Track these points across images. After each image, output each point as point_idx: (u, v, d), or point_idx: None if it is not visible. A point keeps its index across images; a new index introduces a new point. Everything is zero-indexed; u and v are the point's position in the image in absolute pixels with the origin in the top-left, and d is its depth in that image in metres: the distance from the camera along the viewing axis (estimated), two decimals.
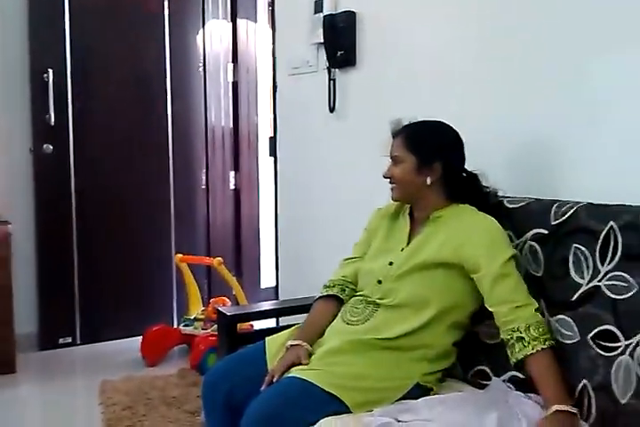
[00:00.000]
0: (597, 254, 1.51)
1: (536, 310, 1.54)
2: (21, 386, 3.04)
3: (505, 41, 1.99)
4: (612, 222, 1.49)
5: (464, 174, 1.79)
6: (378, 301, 1.71)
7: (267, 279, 4.10)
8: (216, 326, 2.74)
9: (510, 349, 1.53)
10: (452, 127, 1.77)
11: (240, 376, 1.71)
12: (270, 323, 2.73)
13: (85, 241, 3.61)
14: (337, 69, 2.68)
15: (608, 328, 1.45)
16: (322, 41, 2.68)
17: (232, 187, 4.14)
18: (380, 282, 1.73)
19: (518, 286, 1.58)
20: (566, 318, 1.54)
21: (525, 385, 1.56)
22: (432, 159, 1.72)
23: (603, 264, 1.49)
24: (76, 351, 3.54)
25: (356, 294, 1.80)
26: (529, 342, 1.49)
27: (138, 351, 3.31)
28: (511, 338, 1.53)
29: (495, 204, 1.78)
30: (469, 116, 2.02)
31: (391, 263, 1.73)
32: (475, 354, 1.74)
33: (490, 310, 1.60)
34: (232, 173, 4.14)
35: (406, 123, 1.80)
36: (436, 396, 1.61)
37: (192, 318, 3.39)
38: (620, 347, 1.41)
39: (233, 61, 4.08)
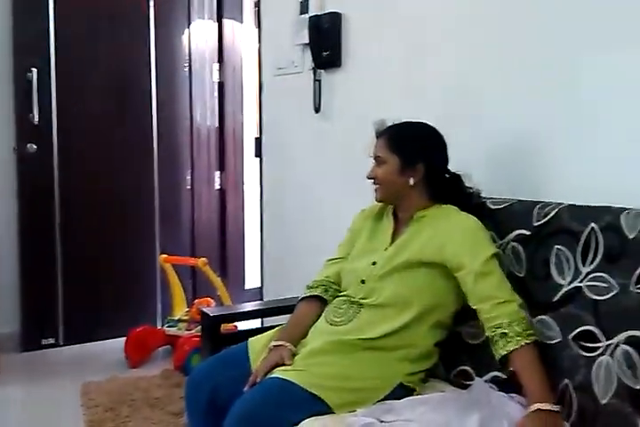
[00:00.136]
0: (579, 255, 1.52)
1: (519, 306, 1.55)
2: (3, 388, 3.01)
3: (488, 41, 2.00)
4: (593, 224, 1.50)
5: (447, 175, 1.80)
6: (361, 300, 1.71)
7: (251, 280, 4.09)
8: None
9: (494, 345, 1.54)
10: (434, 128, 1.78)
11: (223, 377, 1.71)
12: (255, 324, 2.72)
13: (69, 241, 3.58)
14: (322, 70, 2.69)
15: (589, 329, 1.46)
16: (307, 42, 2.69)
17: (217, 187, 4.13)
18: (363, 282, 1.73)
19: (501, 283, 1.59)
20: (548, 318, 1.55)
21: (508, 385, 1.56)
22: (415, 160, 1.73)
23: (584, 265, 1.50)
24: (59, 352, 3.52)
25: (340, 295, 1.80)
26: (512, 338, 1.50)
27: (121, 352, 3.29)
28: (495, 335, 1.53)
29: (478, 204, 1.79)
30: (452, 117, 2.03)
31: (374, 263, 1.73)
32: (457, 354, 1.75)
33: (473, 307, 1.60)
34: (217, 173, 4.13)
35: (390, 124, 1.81)
36: (418, 396, 1.61)
37: (176, 318, 3.38)
38: (600, 347, 1.42)
39: (219, 61, 4.07)
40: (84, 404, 2.76)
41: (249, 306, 2.50)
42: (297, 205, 2.95)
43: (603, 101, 1.69)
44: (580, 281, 1.50)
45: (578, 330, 1.48)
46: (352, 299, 1.73)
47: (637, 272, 1.39)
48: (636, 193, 1.54)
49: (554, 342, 1.52)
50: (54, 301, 3.56)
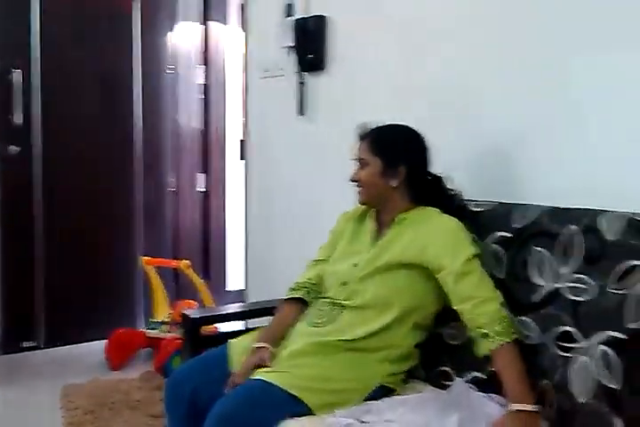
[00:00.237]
0: (559, 257, 1.53)
1: (501, 304, 1.55)
2: None
3: (473, 45, 2.00)
4: (572, 226, 1.52)
5: (429, 177, 1.81)
6: (343, 302, 1.71)
7: (234, 282, 4.08)
8: None
9: (476, 345, 1.55)
10: (416, 131, 1.79)
11: (203, 379, 1.70)
12: (236, 326, 2.71)
13: (51, 244, 3.55)
14: (307, 73, 2.69)
15: (568, 329, 1.47)
16: (292, 44, 2.69)
17: (200, 189, 4.12)
18: (344, 284, 1.73)
19: (481, 282, 1.59)
20: (528, 319, 1.56)
21: (488, 386, 1.58)
22: (397, 162, 1.74)
23: (564, 267, 1.52)
24: (39, 355, 3.48)
25: (322, 296, 1.80)
26: (493, 338, 1.50)
27: (102, 355, 3.27)
28: (477, 335, 1.54)
29: (460, 206, 1.80)
30: (435, 120, 2.03)
31: (356, 265, 1.74)
32: (438, 355, 1.76)
33: (455, 308, 1.61)
34: (200, 176, 4.12)
35: (373, 126, 1.81)
36: (398, 397, 1.62)
37: (158, 321, 3.36)
38: (579, 348, 1.44)
39: (203, 63, 4.06)
40: (64, 406, 2.74)
41: (229, 308, 2.50)
42: (281, 207, 2.95)
43: (585, 106, 1.69)
44: (560, 283, 1.51)
45: (557, 331, 1.49)
46: (334, 301, 1.74)
47: (616, 274, 1.41)
48: (615, 195, 1.56)
49: (533, 342, 1.54)
50: (35, 303, 3.52)
